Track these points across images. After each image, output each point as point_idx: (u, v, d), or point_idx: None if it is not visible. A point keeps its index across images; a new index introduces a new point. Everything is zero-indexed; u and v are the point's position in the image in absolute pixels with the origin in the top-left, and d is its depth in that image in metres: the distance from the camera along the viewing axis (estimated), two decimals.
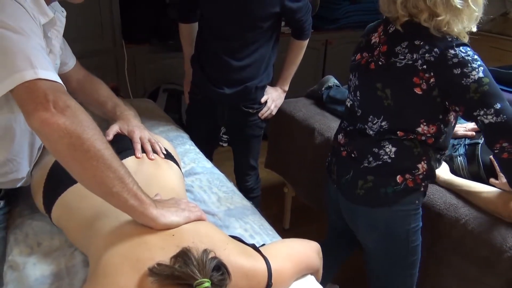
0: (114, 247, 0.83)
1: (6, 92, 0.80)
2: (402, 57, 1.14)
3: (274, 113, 1.87)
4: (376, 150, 1.22)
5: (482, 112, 1.08)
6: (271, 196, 2.44)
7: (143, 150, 1.19)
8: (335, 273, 1.69)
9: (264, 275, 0.87)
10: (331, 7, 3.13)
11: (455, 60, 1.07)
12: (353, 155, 1.29)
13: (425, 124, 1.18)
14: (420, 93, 1.13)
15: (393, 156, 1.20)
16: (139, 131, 1.24)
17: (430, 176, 1.24)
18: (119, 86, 2.39)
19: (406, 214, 1.25)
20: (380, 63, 1.19)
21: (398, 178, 1.21)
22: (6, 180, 1.12)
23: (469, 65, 1.07)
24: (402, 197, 1.22)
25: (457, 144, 1.56)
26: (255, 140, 1.89)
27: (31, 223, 1.17)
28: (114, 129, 1.24)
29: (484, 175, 1.42)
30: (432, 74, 1.10)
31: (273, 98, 1.84)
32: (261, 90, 1.78)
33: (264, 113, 1.82)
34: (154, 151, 1.21)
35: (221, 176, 1.49)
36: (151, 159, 1.18)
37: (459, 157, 1.51)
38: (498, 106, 1.07)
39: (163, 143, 1.29)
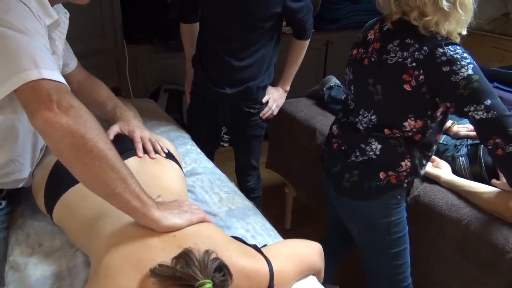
0: (115, 248, 0.83)
1: (10, 92, 0.79)
2: (393, 55, 1.16)
3: (275, 113, 1.87)
4: (363, 146, 1.27)
5: (472, 108, 1.10)
6: (272, 196, 2.44)
7: (145, 151, 1.19)
8: (335, 272, 1.69)
9: (265, 276, 0.87)
10: (332, 7, 3.13)
11: (444, 58, 1.10)
12: (343, 148, 1.34)
13: (413, 119, 1.20)
14: (409, 89, 1.16)
15: (378, 153, 1.25)
16: (140, 131, 1.24)
17: (414, 173, 1.28)
18: (120, 86, 2.39)
19: (387, 207, 1.30)
20: (372, 59, 1.22)
21: (381, 174, 1.25)
22: (9, 180, 1.13)
23: (458, 63, 1.09)
24: (384, 192, 1.27)
25: (459, 145, 1.55)
26: (256, 140, 1.89)
27: (32, 223, 1.17)
28: (114, 130, 1.25)
29: (486, 175, 1.42)
30: (421, 71, 1.13)
31: (275, 98, 1.84)
32: (263, 90, 1.78)
33: (266, 113, 1.82)
34: (155, 151, 1.21)
35: (223, 176, 1.49)
36: (153, 158, 1.18)
37: (461, 157, 1.51)
38: (488, 102, 1.09)
39: (165, 143, 1.29)
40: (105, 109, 1.33)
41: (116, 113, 1.31)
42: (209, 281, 0.72)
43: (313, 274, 1.05)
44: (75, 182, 1.03)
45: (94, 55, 2.40)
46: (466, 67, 1.08)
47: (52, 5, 0.99)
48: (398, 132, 1.23)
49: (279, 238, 1.20)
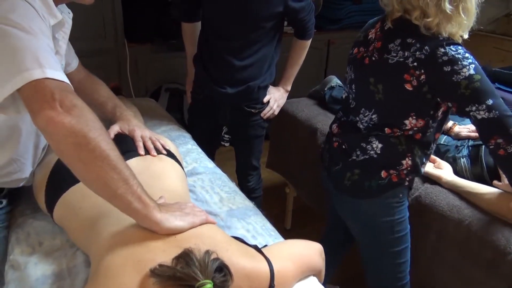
0: (115, 248, 0.83)
1: (14, 91, 0.79)
2: (395, 54, 1.16)
3: (276, 113, 1.87)
4: (364, 145, 1.27)
5: (474, 108, 1.10)
6: (273, 196, 2.44)
7: (146, 152, 1.19)
8: (335, 272, 1.69)
9: (266, 277, 0.87)
10: (333, 7, 3.13)
11: (445, 58, 1.09)
12: (343, 147, 1.34)
13: (414, 117, 1.20)
14: (411, 89, 1.15)
15: (379, 152, 1.24)
16: (140, 130, 1.24)
17: (415, 171, 1.27)
18: (121, 85, 2.39)
19: (389, 206, 1.29)
20: (373, 58, 1.22)
21: (383, 173, 1.25)
22: (10, 179, 1.13)
23: (459, 62, 1.09)
24: (385, 190, 1.26)
25: (461, 146, 1.55)
26: (257, 140, 1.88)
27: (32, 222, 1.17)
28: (115, 129, 1.25)
29: (487, 176, 1.42)
30: (422, 71, 1.12)
31: (276, 98, 1.83)
32: (264, 90, 1.78)
33: (267, 113, 1.81)
34: (156, 149, 1.21)
35: (223, 176, 1.49)
36: (154, 156, 1.18)
37: (463, 158, 1.51)
38: (490, 102, 1.08)
39: (166, 143, 1.29)
40: (105, 109, 1.33)
41: (116, 113, 1.31)
42: (210, 281, 0.72)
43: (314, 275, 1.05)
44: (76, 181, 1.03)
45: (95, 55, 2.40)
46: (467, 67, 1.08)
47: (56, 5, 0.99)
48: (398, 131, 1.23)
49: (279, 238, 1.20)
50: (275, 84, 1.88)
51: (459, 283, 1.38)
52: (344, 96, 1.41)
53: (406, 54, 1.14)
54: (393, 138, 1.23)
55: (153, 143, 1.22)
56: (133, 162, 1.11)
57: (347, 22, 3.19)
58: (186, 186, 1.22)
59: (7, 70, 0.80)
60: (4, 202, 1.15)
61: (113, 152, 0.80)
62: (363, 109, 1.28)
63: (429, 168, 1.49)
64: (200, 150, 1.66)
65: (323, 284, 1.06)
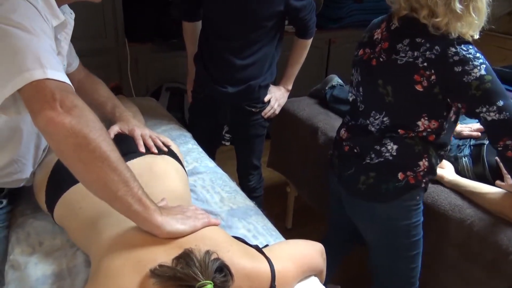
0: (115, 248, 0.83)
1: (15, 91, 0.79)
2: (403, 55, 1.14)
3: (277, 112, 1.86)
4: (378, 147, 1.24)
5: (484, 109, 1.08)
6: (274, 195, 2.44)
7: (147, 150, 1.19)
8: (336, 271, 1.69)
9: (267, 277, 0.86)
10: (334, 6, 3.12)
11: (456, 58, 1.08)
12: (355, 151, 1.31)
13: (426, 119, 1.18)
14: (421, 90, 1.13)
15: (394, 153, 1.22)
16: (140, 129, 1.25)
17: (431, 172, 1.25)
18: (122, 85, 2.39)
19: (406, 209, 1.27)
20: (381, 59, 1.20)
21: (400, 175, 1.22)
22: (11, 180, 1.13)
23: (470, 63, 1.07)
24: (403, 193, 1.24)
25: (462, 145, 1.54)
26: (258, 139, 1.88)
27: (32, 222, 1.17)
28: (115, 129, 1.25)
29: (489, 176, 1.41)
30: (432, 71, 1.11)
31: (277, 97, 1.83)
32: (265, 89, 1.77)
33: (268, 112, 1.81)
34: (157, 147, 1.21)
35: (224, 175, 1.49)
36: (155, 152, 1.18)
37: (464, 158, 1.50)
38: (501, 103, 1.07)
39: (167, 142, 1.29)
40: (104, 109, 1.33)
41: (116, 113, 1.31)
42: (210, 282, 0.71)
43: (315, 275, 1.04)
44: (76, 181, 1.01)
45: (95, 54, 2.40)
46: (478, 67, 1.06)
47: (59, 5, 0.98)
48: (412, 132, 1.20)
49: (280, 238, 1.19)
50: (276, 83, 1.87)
51: (460, 283, 1.37)
52: (351, 99, 1.37)
53: (415, 54, 1.11)
54: (408, 139, 1.21)
55: (153, 140, 1.22)
56: (134, 163, 1.11)
57: (348, 21, 3.18)
58: (187, 187, 1.22)
59: (8, 70, 0.80)
60: (4, 202, 1.15)
61: (113, 153, 0.79)
62: (373, 112, 1.25)
63: None
64: (200, 149, 1.65)
65: (324, 284, 1.06)
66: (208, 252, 0.76)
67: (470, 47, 1.09)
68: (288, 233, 1.33)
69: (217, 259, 0.76)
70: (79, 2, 1.09)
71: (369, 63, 1.24)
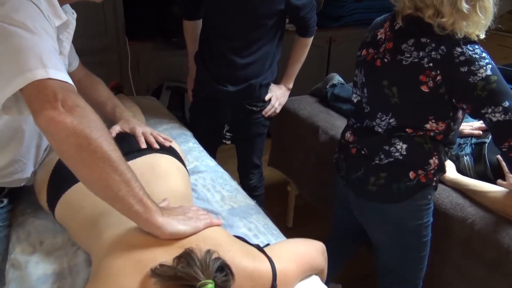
0: (116, 247, 0.83)
1: (16, 91, 0.79)
2: (408, 55, 1.13)
3: (278, 111, 1.86)
4: (386, 147, 1.22)
5: (490, 110, 1.07)
6: (275, 194, 2.43)
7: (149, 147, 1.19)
8: (339, 272, 1.68)
9: (268, 277, 0.86)
10: (335, 4, 3.11)
11: (462, 58, 1.06)
12: (363, 152, 1.29)
13: (433, 121, 1.17)
14: (427, 91, 1.12)
15: (404, 153, 1.20)
16: (141, 128, 1.26)
17: (441, 170, 1.24)
18: (122, 83, 2.39)
19: (418, 209, 1.25)
20: (386, 60, 1.18)
21: (411, 174, 1.21)
22: (11, 179, 1.13)
23: (476, 63, 1.06)
24: (414, 192, 1.22)
25: (464, 143, 1.54)
26: (259, 138, 1.88)
27: (33, 221, 1.16)
28: (116, 129, 1.25)
29: (491, 175, 1.40)
30: (438, 72, 1.09)
31: (277, 96, 1.83)
32: (265, 88, 1.77)
33: (268, 111, 1.81)
34: (159, 143, 1.22)
35: (225, 174, 1.48)
36: (156, 148, 1.19)
37: (466, 156, 1.50)
38: (506, 104, 1.06)
39: (169, 140, 1.29)
40: (105, 109, 1.33)
41: (116, 114, 1.32)
42: (211, 281, 0.71)
43: (316, 274, 1.04)
44: (77, 180, 1.02)
45: (96, 53, 2.40)
46: (484, 68, 1.05)
47: (61, 5, 0.98)
48: (421, 131, 1.19)
49: (281, 237, 1.19)
50: (277, 82, 1.87)
51: (462, 281, 1.37)
52: (355, 101, 1.35)
53: (421, 54, 1.10)
54: (417, 137, 1.19)
55: (154, 137, 1.23)
56: (136, 162, 1.11)
57: (349, 20, 3.18)
58: (189, 186, 1.22)
59: (10, 70, 0.80)
60: (5, 201, 1.15)
61: (115, 154, 0.79)
62: (379, 113, 1.23)
63: None
64: (201, 148, 1.65)
65: (326, 283, 1.06)
66: (209, 252, 0.76)
67: (476, 47, 1.08)
68: (289, 232, 1.32)
69: (218, 258, 0.76)
70: (80, 2, 1.09)
71: (373, 63, 1.22)
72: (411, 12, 1.13)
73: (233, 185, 1.43)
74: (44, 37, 0.84)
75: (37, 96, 0.78)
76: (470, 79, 1.06)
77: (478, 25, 1.08)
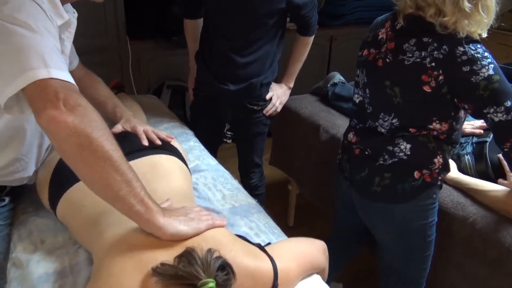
0: (117, 247, 0.83)
1: (18, 90, 0.79)
2: (410, 55, 1.12)
3: (279, 110, 1.86)
4: (390, 148, 1.22)
5: (492, 110, 1.07)
6: (275, 193, 2.43)
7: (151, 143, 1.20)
8: (340, 271, 1.68)
9: (270, 276, 0.86)
10: (336, 3, 3.11)
11: (464, 57, 1.06)
12: (367, 153, 1.28)
13: (437, 122, 1.17)
14: (429, 91, 1.12)
15: (408, 153, 1.20)
16: (142, 126, 1.27)
17: (446, 169, 1.24)
18: (123, 82, 2.39)
19: (423, 208, 1.25)
20: (387, 60, 1.18)
21: (416, 174, 1.21)
22: (13, 178, 1.13)
23: (478, 62, 1.05)
24: (420, 192, 1.22)
25: (465, 142, 1.54)
26: (260, 137, 1.88)
27: (35, 220, 1.17)
28: (118, 128, 1.26)
29: (492, 174, 1.40)
30: (440, 71, 1.09)
31: (278, 95, 1.83)
32: (266, 86, 1.77)
33: (269, 110, 1.80)
34: (160, 139, 1.23)
35: (226, 173, 1.48)
36: (158, 144, 1.20)
37: (467, 155, 1.49)
38: (508, 103, 1.06)
39: (173, 143, 1.29)
40: (106, 108, 1.34)
41: (117, 113, 1.32)
42: (212, 280, 0.71)
43: (317, 273, 1.04)
44: (79, 179, 1.02)
45: (97, 52, 2.40)
46: (487, 67, 1.05)
47: (62, 4, 0.98)
48: (424, 130, 1.19)
49: (283, 236, 1.19)
50: (278, 81, 1.87)
51: (463, 280, 1.37)
52: (357, 101, 1.34)
53: (423, 54, 1.10)
54: (421, 136, 1.19)
55: (156, 134, 1.24)
56: (139, 162, 1.11)
57: (350, 18, 3.17)
58: (191, 185, 1.22)
59: (12, 69, 0.80)
60: (7, 200, 1.15)
61: (116, 153, 0.79)
62: (382, 113, 1.23)
63: None
64: (202, 147, 1.65)
65: (327, 282, 1.06)
66: (210, 251, 0.76)
67: (478, 46, 1.07)
68: (290, 231, 1.32)
69: (219, 257, 0.76)
70: (81, 1, 1.09)
71: (375, 64, 1.22)
72: (412, 11, 1.13)
73: (234, 184, 1.43)
74: (46, 36, 0.85)
75: (39, 95, 0.78)
76: (472, 79, 1.06)
77: (480, 24, 1.08)
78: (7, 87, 0.79)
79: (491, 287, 1.28)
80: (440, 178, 1.24)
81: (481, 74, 1.05)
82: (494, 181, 1.36)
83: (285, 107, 1.95)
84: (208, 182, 1.41)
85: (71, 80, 0.83)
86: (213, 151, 1.85)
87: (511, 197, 1.26)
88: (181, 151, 1.30)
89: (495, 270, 1.26)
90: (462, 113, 1.19)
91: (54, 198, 1.08)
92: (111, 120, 1.32)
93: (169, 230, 0.82)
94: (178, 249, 0.78)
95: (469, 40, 1.07)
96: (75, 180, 1.04)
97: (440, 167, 1.21)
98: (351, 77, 1.77)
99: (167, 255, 0.77)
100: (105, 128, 0.80)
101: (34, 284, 0.97)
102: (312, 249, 1.04)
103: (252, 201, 1.35)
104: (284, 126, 2.16)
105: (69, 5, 1.10)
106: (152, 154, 1.17)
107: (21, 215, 1.19)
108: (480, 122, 1.55)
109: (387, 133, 1.23)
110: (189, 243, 0.80)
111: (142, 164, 1.11)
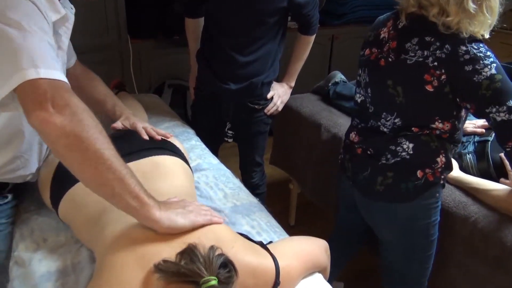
0: (119, 243, 0.83)
1: (10, 91, 0.79)
2: (413, 54, 1.12)
3: (280, 109, 1.86)
4: (393, 147, 1.22)
5: (494, 110, 1.07)
6: (277, 192, 2.43)
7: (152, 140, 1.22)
8: (342, 270, 1.68)
9: (272, 273, 0.86)
10: (337, 2, 3.10)
11: (467, 56, 1.06)
12: (369, 152, 1.28)
13: (440, 121, 1.17)
14: (432, 90, 1.12)
15: (411, 152, 1.20)
16: (141, 123, 1.28)
17: (448, 168, 1.24)
18: (124, 81, 2.39)
19: (426, 208, 1.25)
20: (390, 59, 1.18)
21: (419, 173, 1.21)
22: (14, 176, 1.13)
23: (481, 61, 1.05)
24: (423, 191, 1.22)
25: (466, 142, 1.54)
26: (261, 136, 1.88)
27: (37, 218, 1.17)
28: (119, 125, 1.27)
29: (494, 173, 1.40)
30: (443, 71, 1.09)
31: (279, 94, 1.82)
32: (267, 85, 1.77)
33: (270, 109, 1.80)
34: (160, 135, 1.25)
35: (228, 172, 1.48)
36: (158, 139, 1.22)
37: (468, 154, 1.49)
38: (511, 103, 1.06)
39: (175, 142, 1.30)
40: (105, 107, 1.34)
41: (116, 111, 1.33)
42: (214, 277, 0.71)
43: (319, 271, 1.04)
44: None
45: (98, 51, 2.40)
46: (489, 66, 1.05)
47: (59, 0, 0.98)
48: (427, 129, 1.18)
49: (284, 234, 1.19)
50: (279, 80, 1.87)
51: (464, 279, 1.37)
52: (359, 100, 1.34)
53: (425, 53, 1.09)
54: (424, 135, 1.19)
55: (155, 131, 1.26)
56: (141, 162, 1.11)
57: (351, 17, 3.17)
58: (193, 185, 1.23)
59: (5, 70, 0.80)
60: (9, 196, 1.15)
61: (108, 151, 0.79)
62: (384, 113, 1.23)
63: None
64: (204, 146, 1.65)
65: (329, 280, 1.06)
66: (212, 248, 0.76)
67: (481, 45, 1.07)
68: (291, 230, 1.33)
69: (221, 254, 0.76)
70: (79, 0, 1.09)
71: (377, 63, 1.22)
72: (414, 11, 1.12)
73: (236, 182, 1.43)
74: (38, 35, 0.84)
75: (28, 96, 0.78)
76: (474, 78, 1.06)
77: (484, 25, 1.08)
78: (1, 88, 0.79)
79: (492, 286, 1.28)
80: (443, 177, 1.23)
81: (483, 73, 1.05)
82: (496, 180, 1.36)
83: (286, 106, 1.95)
84: (209, 181, 1.41)
85: (63, 78, 0.82)
86: (214, 150, 1.85)
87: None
88: (182, 150, 1.30)
89: (496, 269, 1.26)
90: (463, 112, 1.19)
91: (56, 197, 1.08)
92: (110, 118, 1.32)
93: (165, 223, 0.83)
94: (181, 245, 0.78)
95: (472, 39, 1.07)
96: (77, 179, 1.04)
97: (443, 166, 1.21)
98: (352, 76, 1.77)
99: (170, 250, 0.78)
100: (95, 127, 0.80)
101: (36, 283, 0.97)
102: (314, 248, 1.04)
103: (253, 199, 1.35)
104: (285, 125, 2.16)
105: (66, 1, 1.10)
106: (155, 154, 1.17)
107: (23, 214, 1.19)
108: (482, 121, 1.55)
109: (390, 132, 1.23)
110: (190, 238, 0.80)
111: (144, 164, 1.11)
